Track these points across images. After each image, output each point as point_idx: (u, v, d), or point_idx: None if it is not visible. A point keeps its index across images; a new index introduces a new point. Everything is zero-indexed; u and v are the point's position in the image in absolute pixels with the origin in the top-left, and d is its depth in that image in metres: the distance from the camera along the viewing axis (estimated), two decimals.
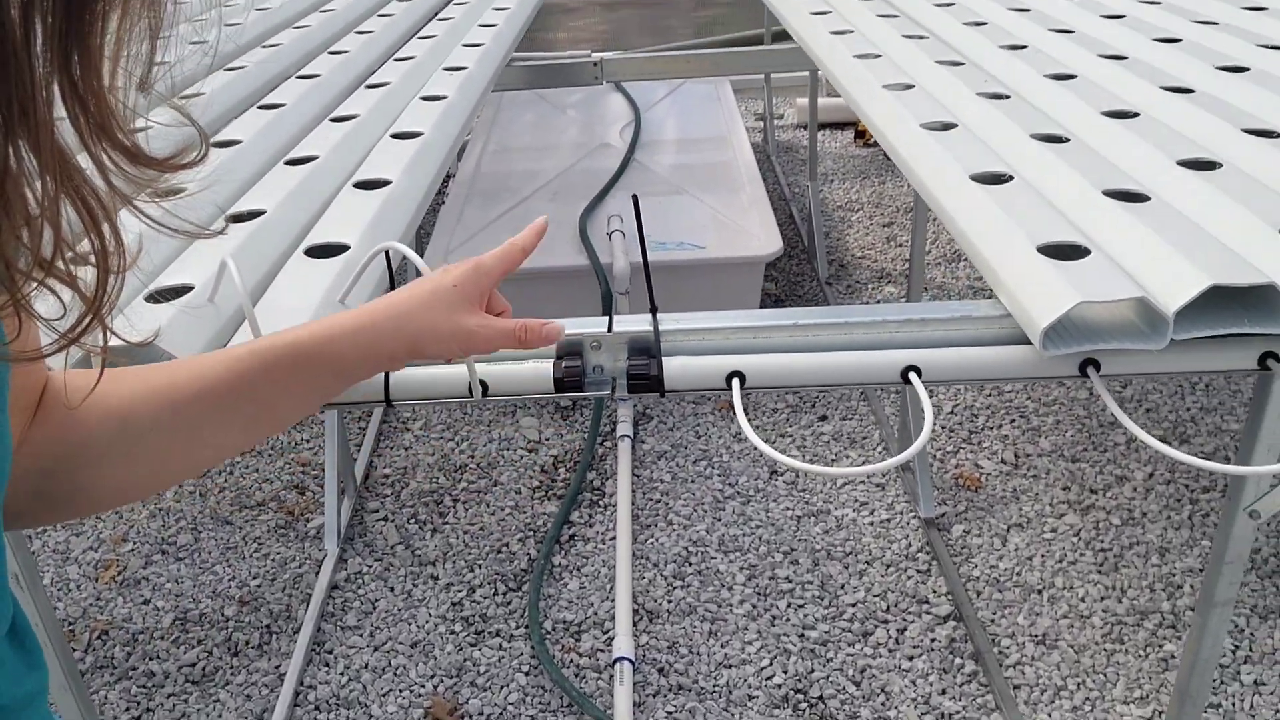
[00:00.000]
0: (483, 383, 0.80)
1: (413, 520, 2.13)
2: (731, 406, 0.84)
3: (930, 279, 2.94)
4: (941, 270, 3.01)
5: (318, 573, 2.00)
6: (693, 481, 2.19)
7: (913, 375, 0.77)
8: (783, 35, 2.64)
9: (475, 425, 2.44)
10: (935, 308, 0.81)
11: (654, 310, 0.83)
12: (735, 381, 0.78)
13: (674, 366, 0.80)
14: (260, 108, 1.37)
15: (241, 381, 0.57)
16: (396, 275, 0.86)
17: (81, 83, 0.38)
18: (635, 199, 0.73)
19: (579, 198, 2.68)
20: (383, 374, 0.81)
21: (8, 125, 0.37)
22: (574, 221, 2.51)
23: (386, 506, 2.18)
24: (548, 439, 2.37)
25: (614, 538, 2.03)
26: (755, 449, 2.28)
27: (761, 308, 2.57)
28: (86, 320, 0.43)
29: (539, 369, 0.81)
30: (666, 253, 2.33)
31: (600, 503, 2.15)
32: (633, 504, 2.11)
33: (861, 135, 4.11)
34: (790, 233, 3.27)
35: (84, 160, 0.40)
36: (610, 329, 0.82)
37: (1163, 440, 2.17)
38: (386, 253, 0.83)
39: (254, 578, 2.02)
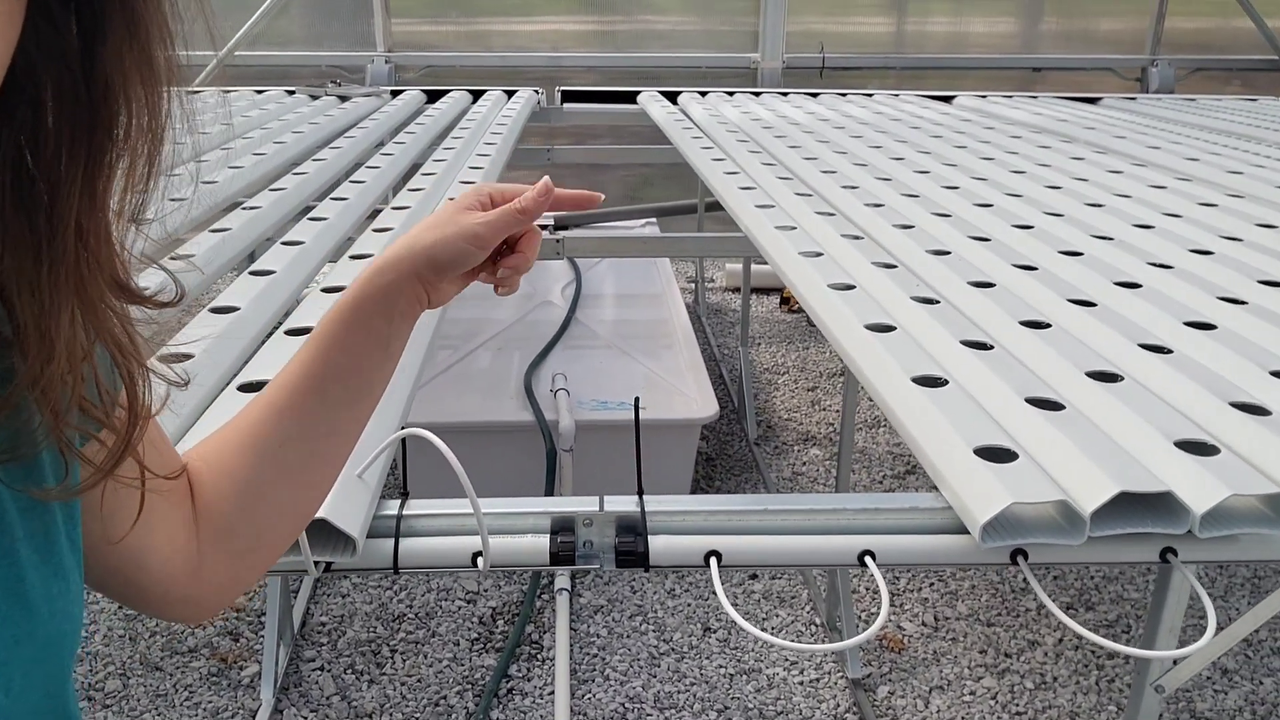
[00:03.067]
0: (478, 555, 0.89)
1: (350, 670, 2.14)
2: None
3: (855, 442, 3.10)
4: (863, 435, 3.18)
5: None
6: (629, 636, 2.24)
7: (869, 559, 0.88)
8: (715, 205, 2.85)
9: (413, 574, 2.47)
10: (886, 499, 0.92)
11: (640, 492, 0.93)
12: (713, 560, 0.88)
13: (658, 544, 0.90)
14: (252, 273, 1.47)
15: (315, 366, 0.63)
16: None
17: (88, 225, 0.44)
18: (636, 402, 0.84)
19: (523, 353, 2.79)
20: (392, 546, 0.89)
21: (51, 272, 0.43)
22: (518, 377, 2.62)
23: (323, 655, 2.19)
24: (486, 590, 2.41)
25: (552, 692, 2.06)
26: (689, 605, 2.35)
27: (695, 467, 2.68)
28: (120, 453, 0.51)
29: (536, 543, 0.90)
30: (609, 412, 2.44)
31: (538, 656, 2.18)
32: (570, 659, 2.15)
33: (786, 301, 4.34)
34: (720, 392, 3.42)
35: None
36: (602, 507, 0.91)
37: (1069, 607, 2.31)
38: (404, 440, 0.92)
39: None
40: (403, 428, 0.96)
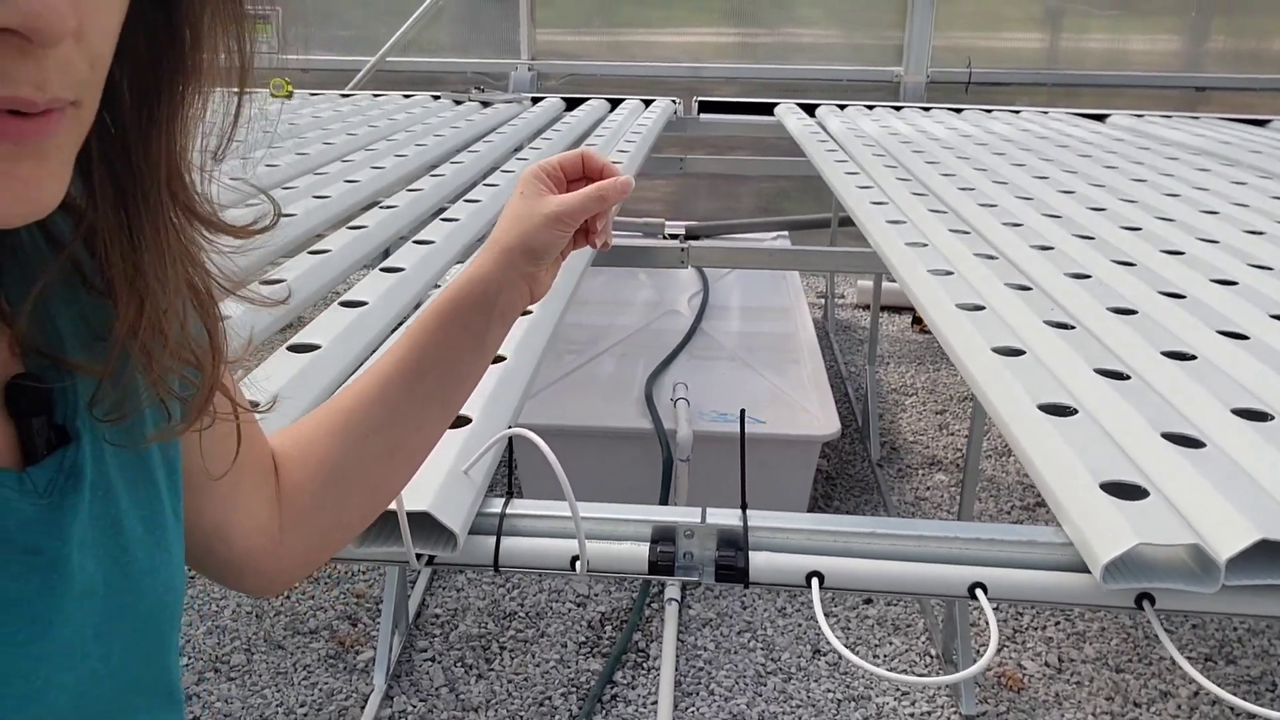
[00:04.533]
0: (576, 559, 0.88)
1: (459, 664, 2.18)
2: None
3: (981, 469, 2.99)
4: (992, 463, 3.07)
5: (363, 707, 2.04)
6: (736, 653, 2.22)
7: (979, 591, 0.84)
8: (849, 220, 2.80)
9: (525, 574, 2.50)
10: (1002, 529, 0.88)
11: (744, 506, 0.91)
12: (815, 581, 0.86)
13: (759, 560, 0.88)
14: (383, 270, 1.51)
15: (409, 360, 0.65)
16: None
17: (169, 166, 0.45)
18: (742, 414, 0.82)
19: (646, 361, 2.80)
20: (493, 544, 0.89)
21: (134, 214, 0.44)
22: (640, 384, 2.62)
23: (435, 647, 2.23)
24: (596, 594, 2.42)
25: (655, 703, 2.05)
26: (800, 625, 2.31)
27: (814, 485, 2.64)
28: (209, 392, 0.52)
29: (636, 550, 0.89)
30: (727, 424, 2.42)
31: (644, 665, 2.18)
32: (676, 670, 2.14)
33: (918, 321, 4.23)
34: (844, 410, 3.36)
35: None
36: (704, 519, 0.90)
37: (1207, 659, 2.17)
38: (510, 438, 0.92)
39: (301, 705, 2.06)
40: (511, 427, 0.96)
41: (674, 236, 3.63)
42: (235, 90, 0.46)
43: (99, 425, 0.48)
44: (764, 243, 3.76)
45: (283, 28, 4.47)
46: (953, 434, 3.26)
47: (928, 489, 2.92)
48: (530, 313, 1.34)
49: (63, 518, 0.45)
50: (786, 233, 3.92)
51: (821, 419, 2.50)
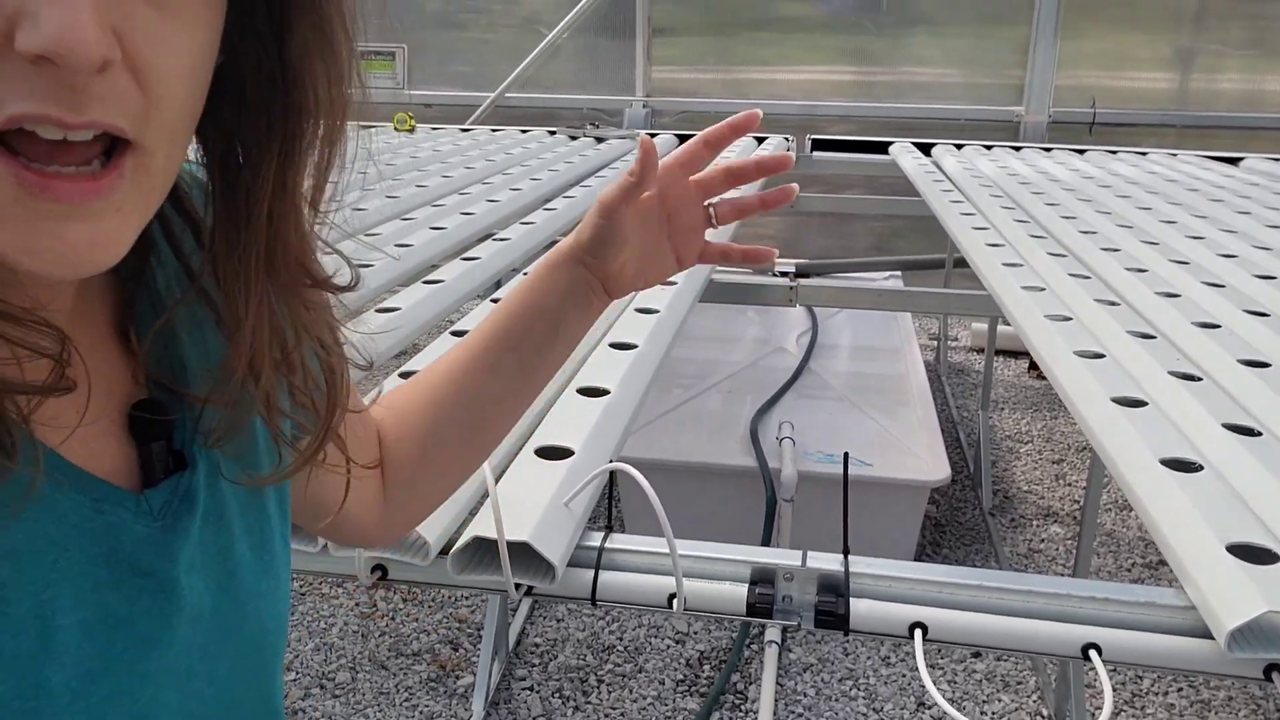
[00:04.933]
0: (673, 596, 0.88)
1: (557, 694, 2.18)
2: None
3: (1100, 524, 2.88)
4: (1112, 516, 2.95)
5: None
6: (836, 700, 2.17)
7: (1093, 653, 0.80)
8: (964, 261, 2.74)
9: (626, 608, 2.49)
10: (1120, 589, 0.84)
11: (845, 551, 0.90)
12: (918, 632, 0.83)
13: (861, 608, 0.86)
14: (493, 301, 1.54)
15: (498, 332, 0.69)
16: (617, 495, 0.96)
17: (278, 211, 0.46)
18: (846, 457, 0.81)
19: (753, 398, 2.78)
20: (591, 577, 0.89)
21: (244, 254, 0.46)
22: (745, 421, 2.61)
23: (534, 676, 2.24)
24: (695, 633, 2.40)
25: None
26: (904, 675, 2.24)
27: (922, 532, 2.57)
28: (320, 440, 0.53)
29: (734, 591, 0.88)
30: (833, 465, 2.38)
31: (741, 707, 2.15)
32: (774, 715, 2.10)
33: (1035, 366, 4.11)
34: (956, 456, 3.27)
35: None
36: (804, 563, 0.89)
37: None
38: (611, 473, 0.93)
39: None
40: (612, 461, 0.97)
41: (784, 274, 3.62)
42: (333, 139, 0.48)
43: (216, 455, 0.50)
44: (876, 282, 3.71)
45: (408, 65, 4.63)
46: (1070, 485, 3.14)
47: (1042, 541, 2.82)
48: (635, 346, 1.35)
49: (174, 541, 0.46)
50: (899, 272, 3.86)
51: (931, 464, 2.44)
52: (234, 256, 0.46)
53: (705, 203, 0.72)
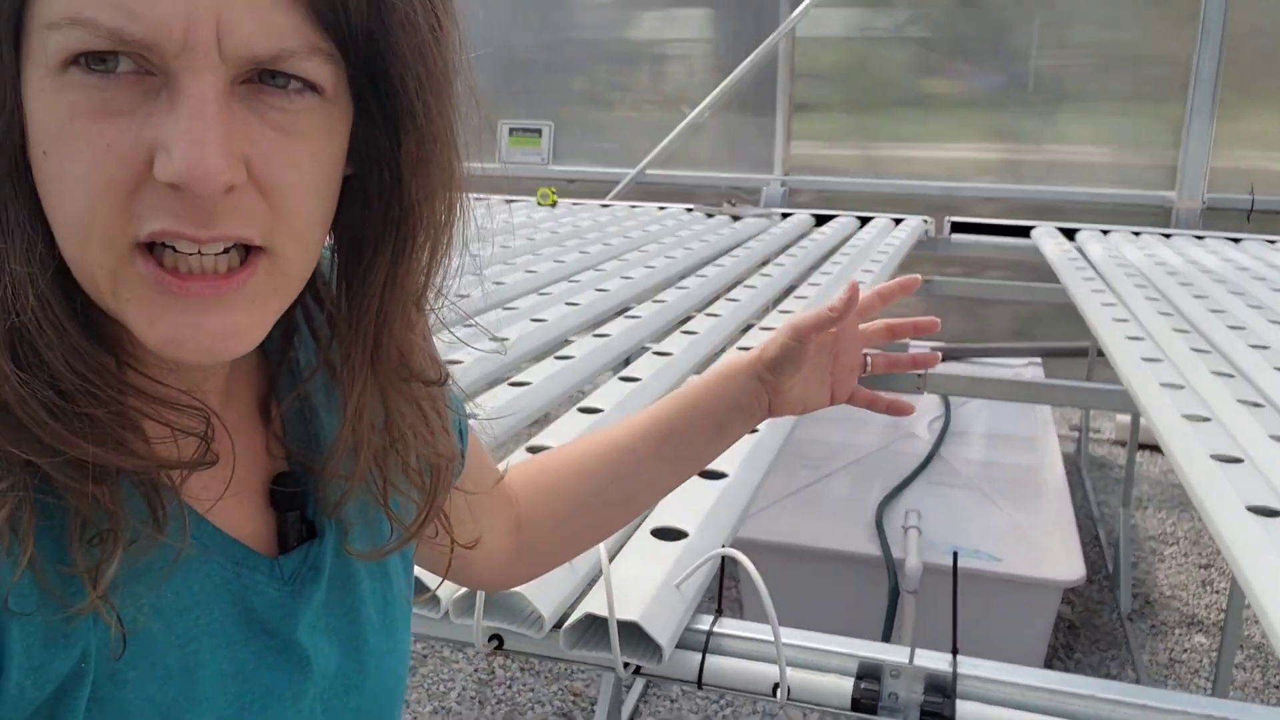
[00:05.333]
0: (777, 685, 0.88)
1: None
2: None
3: (1248, 636, 2.71)
4: (1259, 630, 2.77)
5: None
6: None
7: None
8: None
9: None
10: (1245, 710, 0.81)
11: (954, 651, 0.89)
12: None
13: (968, 711, 0.84)
14: (621, 379, 1.58)
15: (656, 426, 0.74)
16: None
17: (387, 307, 0.50)
18: (955, 557, 0.81)
19: (881, 483, 2.74)
20: (698, 660, 0.91)
21: (354, 347, 0.50)
22: (871, 507, 2.57)
23: None
24: None
25: None
26: None
27: (1054, 633, 2.47)
28: (421, 520, 0.57)
29: (839, 684, 0.88)
30: (960, 559, 2.32)
31: None
32: None
33: None
34: (1094, 555, 3.14)
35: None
36: (911, 660, 0.88)
37: None
38: (723, 557, 0.94)
39: None
40: (725, 546, 0.98)
41: None
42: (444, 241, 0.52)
43: (343, 525, 0.54)
44: (1012, 369, 3.62)
45: (553, 141, 4.81)
46: (1218, 592, 2.97)
47: (1184, 651, 2.67)
48: (755, 430, 1.37)
49: (300, 605, 0.51)
50: (1039, 359, 3.76)
51: (1065, 562, 2.35)
52: (347, 343, 0.51)
53: (864, 350, 0.80)
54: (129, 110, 0.40)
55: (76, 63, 0.39)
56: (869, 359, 0.81)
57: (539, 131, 4.83)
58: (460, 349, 1.67)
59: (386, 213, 0.49)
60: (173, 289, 0.41)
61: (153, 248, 0.41)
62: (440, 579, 0.70)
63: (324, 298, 0.55)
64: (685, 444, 0.75)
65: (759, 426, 1.40)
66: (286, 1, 0.41)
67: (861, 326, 0.80)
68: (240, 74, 0.41)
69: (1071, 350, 3.70)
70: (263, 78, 0.42)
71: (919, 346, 3.20)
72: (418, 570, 0.68)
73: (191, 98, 0.39)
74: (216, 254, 0.42)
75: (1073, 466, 3.76)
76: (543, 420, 1.67)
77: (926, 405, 3.38)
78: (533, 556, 0.75)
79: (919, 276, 0.81)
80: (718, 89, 4.51)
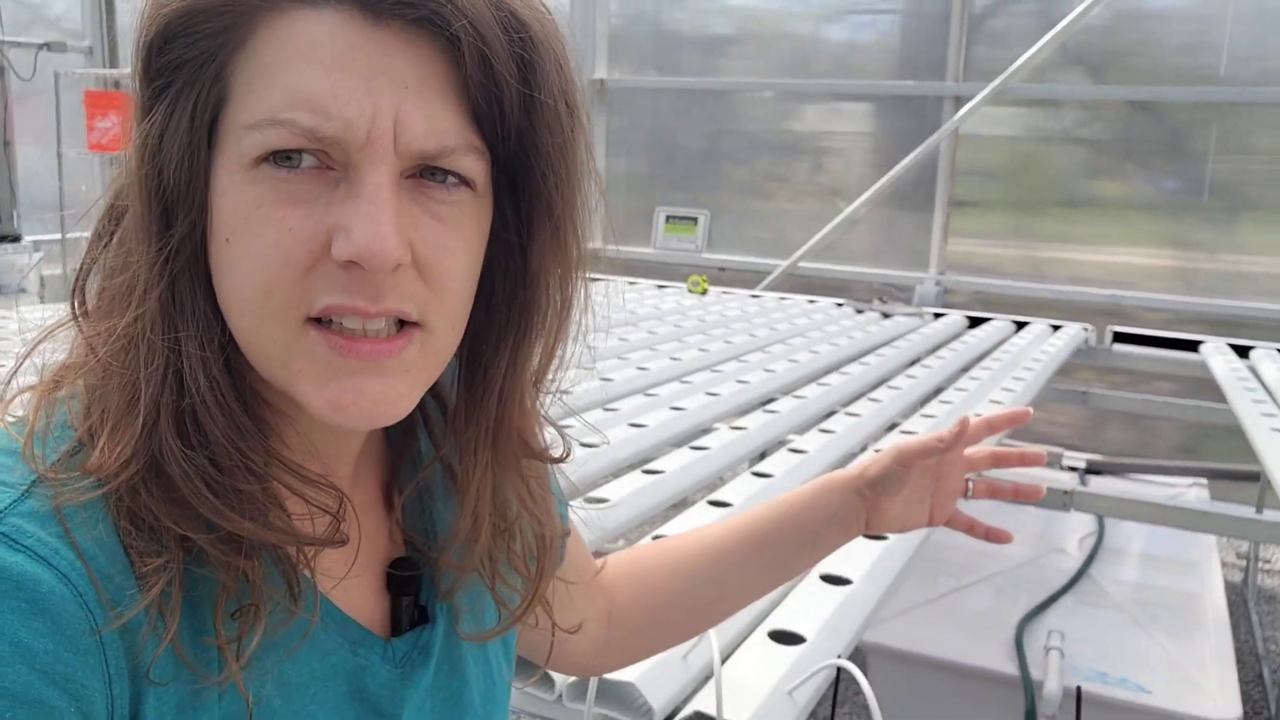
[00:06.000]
0: None
1: None
2: None
3: None
4: None
5: None
6: None
7: None
8: None
9: None
10: None
11: None
12: None
13: None
14: (754, 474, 1.58)
15: (752, 530, 0.75)
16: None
17: (509, 390, 0.53)
18: (1079, 691, 0.78)
19: (1026, 599, 2.63)
20: None
21: (474, 428, 0.53)
22: (1012, 623, 2.46)
23: None
24: None
25: None
26: None
27: None
28: (529, 603, 0.59)
29: None
30: (1105, 686, 2.20)
31: None
32: None
33: None
34: (1255, 693, 2.92)
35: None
36: None
37: None
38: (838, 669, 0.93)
39: None
40: (840, 657, 0.97)
41: (1071, 469, 3.43)
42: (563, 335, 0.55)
43: (454, 610, 0.57)
44: (1175, 489, 3.43)
45: (708, 229, 4.89)
46: None
47: None
48: (886, 538, 1.35)
49: (408, 687, 0.54)
50: (1205, 480, 3.55)
51: (1220, 700, 2.19)
52: (468, 429, 0.54)
53: (966, 475, 0.80)
54: (310, 200, 0.45)
55: (267, 160, 0.44)
56: (970, 484, 0.81)
57: (695, 219, 4.92)
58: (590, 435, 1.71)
59: (512, 300, 0.53)
60: (342, 350, 0.45)
61: (321, 322, 0.46)
62: (543, 661, 0.72)
63: (439, 390, 0.58)
64: (778, 553, 0.76)
65: (887, 533, 1.38)
66: (452, 103, 0.46)
67: (967, 451, 0.79)
68: (408, 169, 0.46)
69: (1242, 474, 3.48)
70: (424, 173, 0.47)
71: (1073, 457, 3.08)
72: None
73: (370, 185, 0.44)
74: (378, 328, 0.46)
75: (1238, 597, 3.51)
76: (676, 507, 1.69)
77: (1079, 520, 3.24)
78: (620, 648, 0.76)
79: (1030, 410, 0.80)
80: (877, 184, 4.52)
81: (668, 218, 4.96)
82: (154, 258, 0.45)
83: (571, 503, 1.34)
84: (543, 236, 0.51)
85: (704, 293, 3.87)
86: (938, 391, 2.43)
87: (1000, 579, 2.82)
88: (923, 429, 1.97)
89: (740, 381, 2.26)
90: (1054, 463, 3.56)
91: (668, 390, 2.14)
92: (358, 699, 0.51)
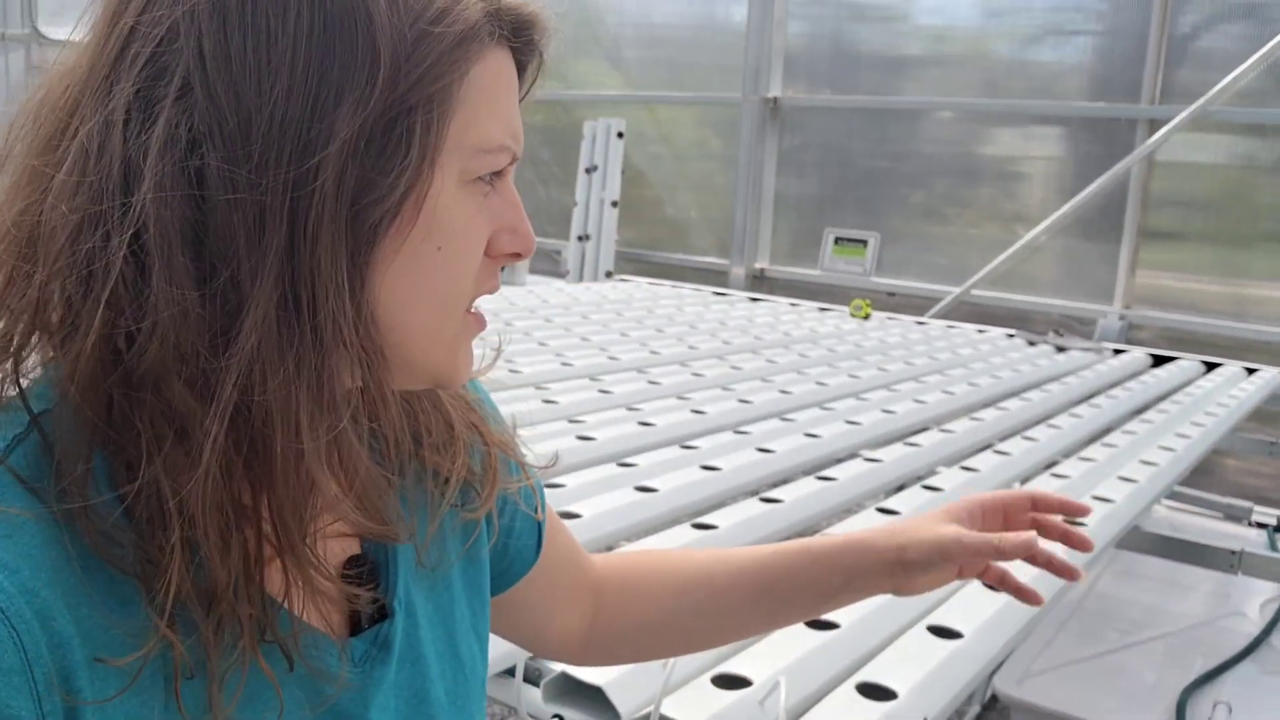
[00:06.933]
0: None
1: None
2: None
3: None
4: None
5: None
6: None
7: None
8: None
9: None
10: None
11: None
12: None
13: None
14: (878, 509, 1.51)
15: (761, 575, 0.71)
16: None
17: None
18: None
19: (1190, 664, 2.41)
20: None
21: None
22: (1175, 691, 2.27)
23: None
24: None
25: None
26: None
27: None
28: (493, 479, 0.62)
29: None
30: None
31: None
32: None
33: None
34: None
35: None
36: None
37: None
38: None
39: None
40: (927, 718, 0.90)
41: (1260, 526, 3.14)
42: None
43: (414, 603, 0.55)
44: None
45: (878, 251, 4.76)
46: None
47: None
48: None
49: (369, 686, 0.52)
50: None
51: None
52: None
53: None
54: (482, 212, 0.51)
55: (481, 177, 0.50)
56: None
57: (864, 242, 4.80)
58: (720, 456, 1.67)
59: None
60: (475, 323, 0.53)
61: None
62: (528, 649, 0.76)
63: None
64: (785, 601, 0.71)
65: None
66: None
67: (1008, 519, 0.73)
68: None
69: None
70: None
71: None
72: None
73: (513, 193, 0.53)
74: None
75: None
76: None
77: (1262, 584, 2.96)
78: (600, 649, 0.75)
79: (1089, 506, 0.71)
80: (1059, 210, 4.28)
81: (836, 239, 4.85)
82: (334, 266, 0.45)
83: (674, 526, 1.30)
84: None
85: (866, 317, 3.76)
86: (1105, 432, 2.27)
87: (1170, 640, 2.60)
88: (1077, 473, 1.84)
89: (886, 411, 2.17)
90: (1244, 516, 3.27)
91: (805, 416, 2.08)
92: (315, 703, 0.50)
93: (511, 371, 2.26)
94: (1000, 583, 0.71)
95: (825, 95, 5.03)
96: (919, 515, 0.70)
